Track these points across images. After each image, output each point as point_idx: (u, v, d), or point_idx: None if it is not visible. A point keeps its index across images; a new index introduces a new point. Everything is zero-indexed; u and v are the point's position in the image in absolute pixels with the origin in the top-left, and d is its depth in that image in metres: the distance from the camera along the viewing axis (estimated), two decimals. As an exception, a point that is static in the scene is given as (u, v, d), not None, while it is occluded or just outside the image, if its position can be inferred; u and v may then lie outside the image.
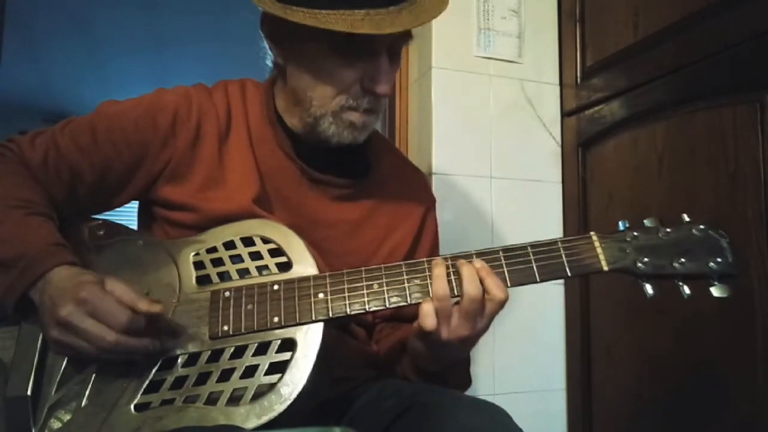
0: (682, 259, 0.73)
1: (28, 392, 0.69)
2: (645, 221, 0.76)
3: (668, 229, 0.75)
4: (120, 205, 0.88)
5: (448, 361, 0.82)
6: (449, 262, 0.75)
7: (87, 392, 0.70)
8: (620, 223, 0.77)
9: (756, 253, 0.99)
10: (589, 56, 1.45)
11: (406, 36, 0.84)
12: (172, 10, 2.94)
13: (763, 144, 1.00)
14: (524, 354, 1.42)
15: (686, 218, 0.76)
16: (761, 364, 0.99)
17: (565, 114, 1.51)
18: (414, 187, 1.02)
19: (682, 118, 1.18)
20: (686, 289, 0.73)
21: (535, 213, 1.46)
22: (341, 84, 0.82)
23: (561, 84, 1.53)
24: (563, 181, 1.50)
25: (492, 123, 1.45)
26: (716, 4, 1.10)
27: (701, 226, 0.74)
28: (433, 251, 1.01)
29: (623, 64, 1.33)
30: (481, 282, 0.73)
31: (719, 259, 0.72)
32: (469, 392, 0.79)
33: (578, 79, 1.48)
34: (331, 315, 0.73)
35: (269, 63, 0.92)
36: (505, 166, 1.45)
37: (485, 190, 1.43)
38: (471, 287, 0.72)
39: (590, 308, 1.40)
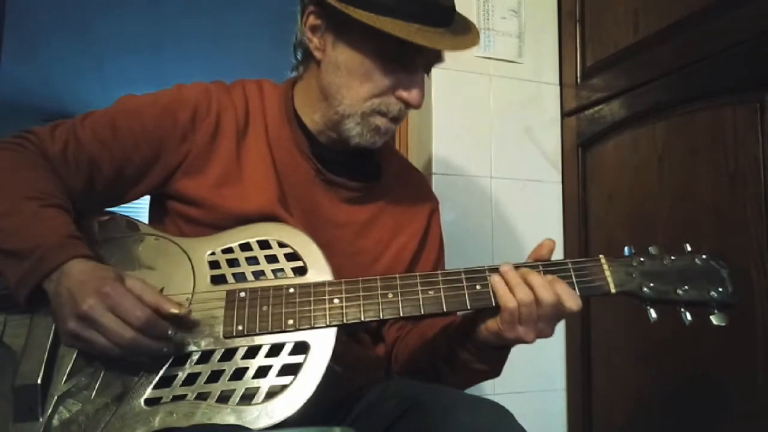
0: (685, 287, 0.75)
1: (39, 381, 0.69)
2: (649, 248, 0.79)
3: (672, 257, 0.78)
4: (135, 198, 0.88)
5: None
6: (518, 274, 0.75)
7: (97, 384, 0.70)
8: (626, 249, 0.79)
9: (756, 252, 0.99)
10: (589, 56, 1.46)
11: (440, 59, 0.88)
12: (172, 10, 2.94)
13: (763, 144, 1.00)
14: (524, 354, 1.40)
15: (688, 248, 0.79)
16: (761, 364, 0.99)
17: (565, 114, 1.52)
18: (418, 189, 1.04)
19: (682, 118, 1.18)
20: (688, 316, 0.75)
21: (535, 213, 1.46)
22: (377, 88, 0.84)
23: (561, 84, 1.53)
24: (563, 181, 1.51)
25: (492, 123, 1.45)
26: (716, 4, 1.11)
27: (703, 256, 0.77)
28: (440, 254, 1.02)
29: (623, 64, 1.34)
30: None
31: (720, 289, 0.75)
32: (469, 392, 0.79)
33: (578, 79, 1.48)
34: (345, 321, 0.73)
35: (296, 57, 0.93)
36: (505, 166, 1.45)
37: (485, 190, 1.43)
38: (546, 294, 0.73)
39: (590, 308, 1.40)
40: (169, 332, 0.69)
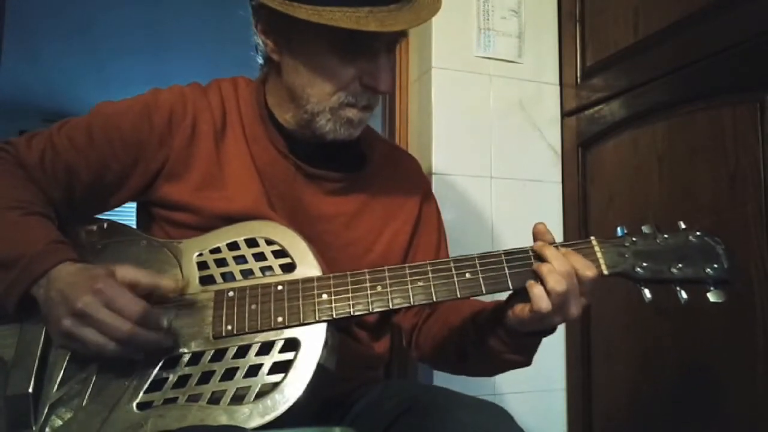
0: (680, 265, 0.73)
1: (30, 390, 0.69)
2: (643, 227, 0.77)
3: (666, 235, 0.75)
4: (117, 205, 0.88)
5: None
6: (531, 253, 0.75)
7: (89, 391, 0.70)
8: (618, 229, 0.78)
9: (756, 252, 0.99)
10: (589, 56, 1.46)
11: (403, 34, 0.84)
12: (172, 10, 2.94)
13: (763, 144, 1.00)
14: (524, 354, 1.41)
15: (682, 225, 0.77)
16: (761, 364, 0.99)
17: (565, 114, 1.51)
18: (407, 173, 1.02)
19: (682, 118, 1.18)
20: (683, 294, 0.73)
21: (535, 213, 1.46)
22: (340, 81, 0.82)
23: (561, 84, 1.53)
24: (563, 181, 1.50)
25: (492, 123, 1.45)
26: (716, 4, 1.10)
27: (698, 233, 0.75)
28: (440, 236, 1.01)
29: (623, 64, 1.34)
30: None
31: (715, 265, 0.72)
32: (469, 392, 0.79)
33: (578, 79, 1.48)
34: (334, 316, 0.73)
35: (260, 60, 0.92)
36: (505, 166, 1.45)
37: (485, 190, 1.43)
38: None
39: (590, 308, 1.40)
40: (165, 323, 0.69)
